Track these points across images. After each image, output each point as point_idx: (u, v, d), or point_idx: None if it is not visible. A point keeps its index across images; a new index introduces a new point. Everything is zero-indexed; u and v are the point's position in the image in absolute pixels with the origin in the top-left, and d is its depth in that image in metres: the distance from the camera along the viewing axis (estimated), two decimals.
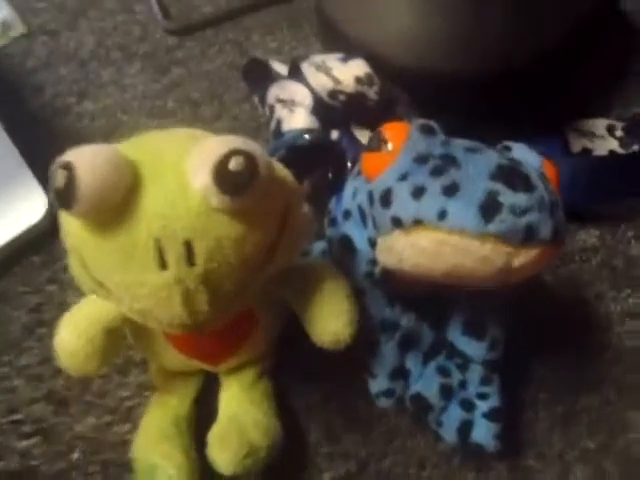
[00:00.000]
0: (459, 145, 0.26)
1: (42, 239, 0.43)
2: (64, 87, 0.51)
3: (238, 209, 0.23)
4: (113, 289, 0.24)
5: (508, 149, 0.28)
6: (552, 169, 0.27)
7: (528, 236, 0.24)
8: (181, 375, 0.36)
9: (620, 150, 0.44)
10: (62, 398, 0.38)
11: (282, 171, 0.26)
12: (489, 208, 0.23)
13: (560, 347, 0.39)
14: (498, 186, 0.24)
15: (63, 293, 0.42)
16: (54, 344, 0.30)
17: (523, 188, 0.24)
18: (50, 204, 0.43)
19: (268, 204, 0.24)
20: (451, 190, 0.24)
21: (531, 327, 0.38)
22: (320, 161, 0.38)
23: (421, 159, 0.26)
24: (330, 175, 0.39)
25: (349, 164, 0.37)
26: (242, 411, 0.34)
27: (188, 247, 0.23)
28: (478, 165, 0.25)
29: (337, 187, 0.38)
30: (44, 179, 0.43)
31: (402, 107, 0.36)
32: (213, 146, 0.22)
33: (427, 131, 0.27)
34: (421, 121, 0.27)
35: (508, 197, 0.24)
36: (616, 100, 0.48)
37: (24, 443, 0.37)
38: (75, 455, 0.37)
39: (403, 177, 0.25)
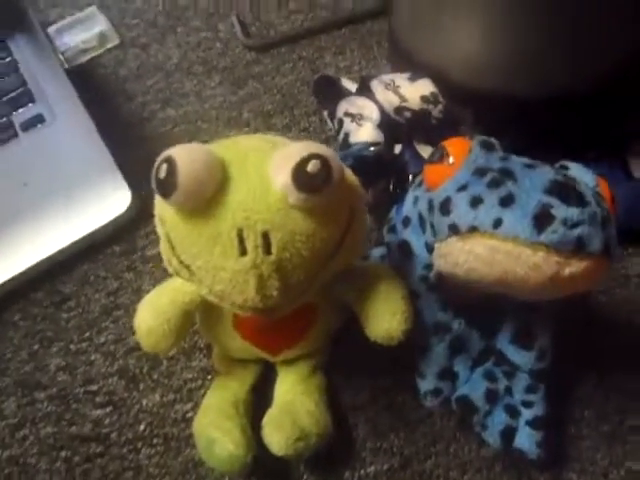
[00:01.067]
0: (517, 161, 0.28)
1: (124, 231, 0.48)
2: (151, 96, 0.56)
3: (312, 207, 0.26)
4: (196, 271, 0.27)
5: (565, 168, 0.29)
6: (607, 189, 0.28)
7: (578, 247, 0.25)
8: (242, 362, 0.39)
9: None
10: (133, 375, 0.42)
11: (351, 177, 0.29)
12: (542, 219, 0.25)
13: (609, 367, 0.39)
14: (552, 200, 0.26)
15: (139, 280, 0.46)
16: (134, 322, 0.34)
17: (576, 203, 0.25)
18: (133, 200, 0.47)
19: (338, 205, 0.27)
20: (507, 201, 0.26)
21: (582, 345, 0.39)
22: (383, 173, 0.41)
23: (480, 172, 0.28)
24: (391, 187, 0.42)
25: (410, 177, 0.40)
26: (296, 400, 0.37)
27: (266, 238, 0.26)
28: (533, 179, 0.27)
29: (398, 198, 0.40)
30: (130, 177, 0.47)
31: (465, 127, 0.38)
32: (295, 150, 0.25)
33: (487, 147, 0.29)
34: (482, 137, 0.29)
35: (561, 210, 0.25)
36: None
37: (97, 412, 0.41)
38: (141, 427, 0.40)
39: (462, 188, 0.28)
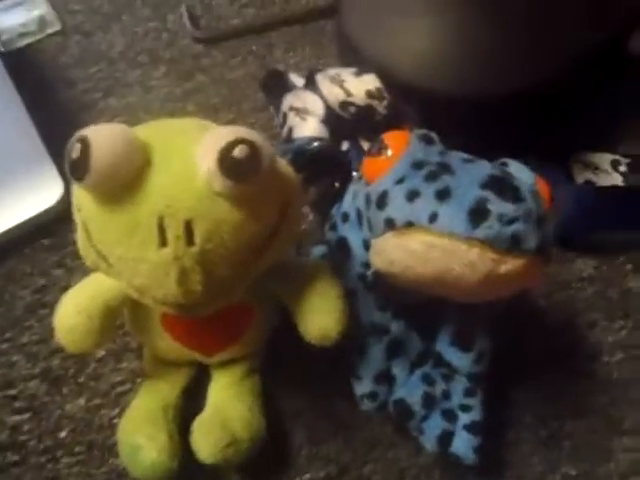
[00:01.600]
0: (456, 155, 0.28)
1: (54, 224, 0.45)
2: (92, 84, 0.53)
3: (239, 195, 0.24)
4: (114, 263, 0.25)
5: (504, 164, 0.29)
6: (545, 188, 0.28)
7: (513, 245, 0.25)
8: (173, 364, 0.37)
9: (622, 185, 0.45)
10: (56, 377, 0.39)
11: (285, 167, 0.27)
12: (477, 214, 0.24)
13: (549, 372, 0.39)
14: (488, 194, 0.25)
15: (68, 278, 0.43)
16: (54, 320, 0.32)
17: (512, 198, 0.25)
18: (65, 191, 0.45)
19: (268, 195, 0.25)
20: (443, 195, 0.25)
21: (522, 350, 0.39)
22: (327, 169, 0.39)
23: (418, 165, 0.27)
24: (337, 184, 0.41)
25: (355, 173, 0.38)
26: (228, 404, 0.35)
27: (188, 227, 0.24)
28: (471, 173, 0.26)
29: (343, 195, 0.39)
30: (63, 168, 0.45)
31: (409, 123, 0.38)
32: (221, 134, 0.23)
33: (426, 140, 0.28)
34: (421, 131, 0.28)
35: (497, 205, 0.24)
36: (623, 137, 0.49)
37: (16, 418, 0.38)
38: (62, 434, 0.38)
39: (400, 181, 0.27)
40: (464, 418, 0.33)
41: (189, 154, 0.24)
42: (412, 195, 0.26)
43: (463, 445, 0.32)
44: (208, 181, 0.24)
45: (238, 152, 0.23)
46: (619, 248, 0.44)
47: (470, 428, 0.32)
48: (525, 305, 0.41)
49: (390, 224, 0.26)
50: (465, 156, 0.28)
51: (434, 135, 0.28)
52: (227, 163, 0.23)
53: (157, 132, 0.25)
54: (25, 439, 0.37)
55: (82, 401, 0.39)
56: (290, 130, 0.40)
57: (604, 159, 0.46)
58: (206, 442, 0.32)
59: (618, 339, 0.41)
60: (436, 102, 0.38)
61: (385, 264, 0.28)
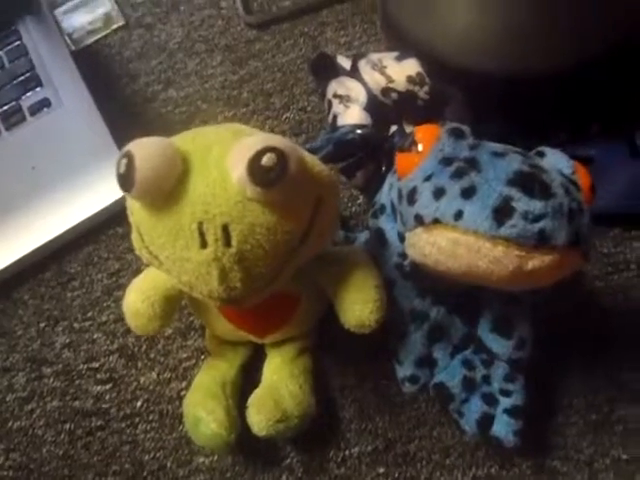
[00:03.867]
0: (486, 149, 0.27)
1: (125, 213, 0.49)
2: (154, 76, 0.56)
3: (270, 200, 0.26)
4: (164, 262, 0.28)
5: (541, 154, 0.28)
6: (585, 176, 0.27)
7: (540, 241, 0.24)
8: (232, 343, 0.40)
9: None
10: (131, 353, 0.44)
11: (318, 166, 0.28)
12: (502, 212, 0.24)
13: (602, 356, 0.38)
14: (513, 192, 0.25)
15: (139, 262, 0.47)
16: (123, 305, 0.35)
17: (540, 195, 0.25)
18: None
19: (299, 197, 0.27)
20: (468, 192, 0.25)
21: (576, 332, 0.38)
22: (372, 155, 0.40)
23: (446, 161, 0.27)
24: (383, 168, 0.41)
25: None
26: (281, 382, 0.38)
27: (225, 230, 0.26)
28: (497, 170, 0.26)
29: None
30: None
31: (452, 108, 0.37)
32: (250, 143, 0.25)
33: (456, 134, 0.28)
34: (452, 124, 0.28)
35: (522, 203, 0.24)
36: None
37: (98, 388, 0.43)
38: (138, 403, 0.42)
39: (428, 178, 0.27)
40: (505, 402, 0.33)
41: (224, 163, 0.26)
42: (438, 192, 0.26)
43: (503, 428, 0.33)
44: (241, 188, 0.25)
45: (266, 160, 0.24)
46: None
47: (511, 412, 0.33)
48: (580, 287, 0.40)
49: (419, 220, 0.27)
50: (497, 149, 0.27)
51: (465, 128, 0.28)
52: (256, 171, 0.24)
53: (195, 142, 0.27)
54: (107, 407, 0.42)
55: (154, 375, 0.43)
56: (334, 117, 0.40)
57: None
58: (259, 417, 0.35)
59: None
60: (482, 84, 0.37)
61: (418, 257, 0.28)
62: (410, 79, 0.37)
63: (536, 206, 0.24)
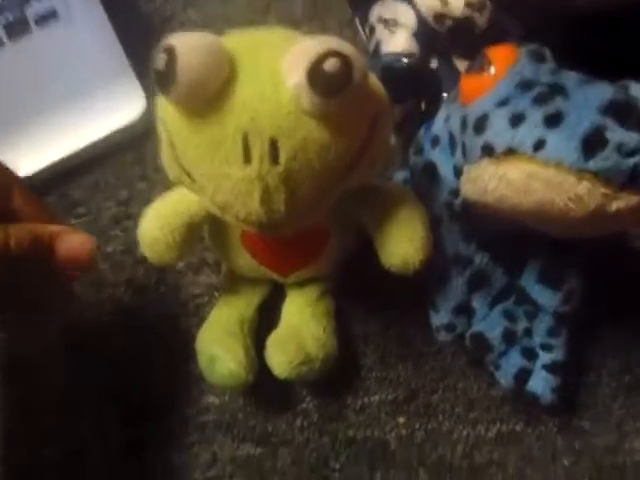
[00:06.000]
0: (571, 76, 0.24)
1: (137, 139, 0.45)
2: None
3: (328, 112, 0.23)
4: (198, 179, 0.25)
5: (626, 87, 0.25)
6: None
7: (632, 179, 0.22)
8: (250, 281, 0.38)
9: None
10: (140, 286, 0.41)
11: (376, 83, 0.25)
12: (592, 143, 0.22)
13: (638, 316, 0.37)
14: (607, 121, 0.22)
15: (151, 191, 0.44)
16: (138, 232, 0.32)
17: (636, 127, 0.22)
18: (148, 106, 0.44)
19: (358, 113, 0.24)
20: (554, 120, 0.23)
21: (614, 290, 0.36)
22: (415, 89, 0.37)
23: (525, 85, 0.24)
24: (423, 105, 0.38)
25: (445, 95, 0.36)
26: (303, 323, 0.35)
27: (273, 145, 0.23)
28: (589, 96, 0.23)
29: (430, 117, 0.36)
30: (146, 81, 0.44)
31: (513, 40, 0.34)
32: (311, 45, 0.22)
33: (537, 57, 0.25)
34: (532, 45, 0.25)
35: (617, 134, 0.22)
36: None
37: (105, 319, 0.41)
38: (146, 338, 0.40)
39: (503, 103, 0.24)
40: (545, 357, 0.31)
41: (276, 67, 0.23)
42: (516, 119, 0.23)
43: (541, 384, 0.31)
44: (295, 97, 0.22)
45: (329, 66, 0.21)
46: None
47: (550, 368, 0.31)
48: (621, 243, 0.38)
49: (488, 150, 0.24)
50: (582, 77, 0.25)
51: (546, 51, 0.25)
52: (317, 78, 0.21)
53: (243, 43, 0.24)
54: (113, 339, 0.40)
55: (163, 309, 0.40)
56: (377, 44, 0.37)
57: None
58: (281, 358, 0.33)
59: None
60: (546, 15, 0.33)
61: (478, 193, 0.26)
62: (469, 4, 0.33)
63: (632, 138, 0.22)
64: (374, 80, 0.25)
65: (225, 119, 0.23)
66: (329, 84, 0.21)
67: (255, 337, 0.36)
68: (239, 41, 0.24)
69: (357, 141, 0.24)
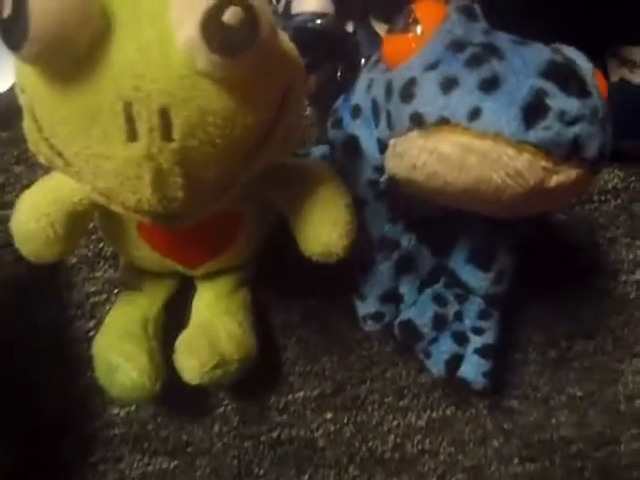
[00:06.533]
0: (504, 37, 0.22)
1: (11, 115, 0.38)
2: None
3: (230, 75, 0.18)
4: (72, 160, 0.20)
5: (558, 49, 0.23)
6: (603, 81, 0.23)
7: (572, 151, 0.20)
8: (153, 275, 0.33)
9: None
10: (23, 286, 0.35)
11: (287, 43, 0.22)
12: (533, 110, 0.19)
13: (562, 290, 0.37)
14: (548, 85, 0.20)
15: (31, 174, 0.38)
16: (12, 225, 0.27)
17: (577, 92, 0.20)
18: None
19: (267, 77, 0.20)
20: (490, 85, 0.20)
21: (535, 265, 0.35)
22: (330, 53, 0.33)
23: (457, 46, 0.21)
24: (339, 73, 0.35)
25: (363, 61, 0.32)
26: (216, 320, 0.32)
27: (165, 116, 0.19)
28: (526, 59, 0.20)
29: (346, 87, 0.33)
30: None
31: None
32: None
33: (467, 14, 0.22)
34: (461, 1, 0.22)
35: (558, 100, 0.20)
36: None
37: None
38: (37, 348, 0.34)
39: (432, 66, 0.21)
40: (476, 341, 0.30)
41: (162, 19, 0.18)
42: (448, 84, 0.20)
43: (473, 369, 0.30)
44: (189, 55, 0.18)
45: (229, 16, 0.17)
46: None
47: (482, 352, 0.30)
48: (543, 218, 0.37)
49: (417, 120, 0.21)
50: (515, 37, 0.22)
51: (477, 7, 0.23)
52: (214, 31, 0.17)
53: None
54: None
55: (54, 311, 0.35)
56: (288, 3, 0.33)
57: None
58: (192, 363, 0.29)
59: (638, 257, 0.38)
60: None
61: (406, 169, 0.23)
62: None
63: (573, 105, 0.19)
64: (285, 40, 0.21)
65: (100, 85, 0.18)
66: (229, 39, 0.17)
67: (162, 339, 0.32)
68: None
69: (267, 112, 0.21)
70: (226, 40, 0.17)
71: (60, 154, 0.21)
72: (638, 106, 0.38)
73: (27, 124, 0.21)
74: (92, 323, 0.35)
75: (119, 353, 0.30)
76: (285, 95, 0.21)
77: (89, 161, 0.20)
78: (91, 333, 0.35)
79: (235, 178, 0.22)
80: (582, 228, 0.38)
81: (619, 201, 0.39)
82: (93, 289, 0.36)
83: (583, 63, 0.22)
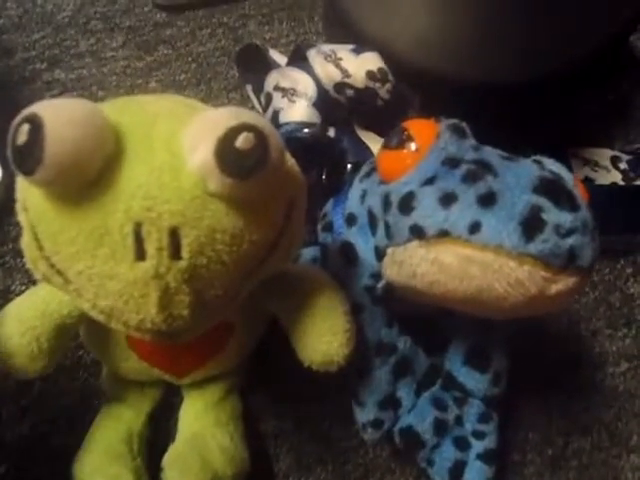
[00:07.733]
0: (493, 152, 0.23)
1: None
2: (36, 52, 0.46)
3: (240, 197, 0.19)
4: (74, 279, 0.20)
5: (539, 163, 0.25)
6: (584, 190, 0.24)
7: (569, 261, 0.21)
8: (137, 384, 0.32)
9: (622, 184, 0.43)
10: None
11: (290, 159, 0.22)
12: (531, 224, 0.20)
13: (552, 386, 0.36)
14: (542, 201, 0.21)
15: (8, 279, 0.37)
16: None
17: (569, 207, 0.21)
18: (4, 177, 0.38)
19: (274, 196, 0.20)
20: (487, 200, 0.21)
21: (522, 363, 0.35)
22: (316, 160, 0.35)
23: (451, 162, 0.22)
24: (324, 176, 0.36)
25: (349, 167, 0.34)
26: (206, 433, 0.30)
27: (174, 236, 0.19)
28: (518, 175, 0.22)
29: (332, 190, 0.34)
30: (2, 150, 0.38)
31: (413, 110, 0.33)
32: (219, 117, 0.18)
33: (458, 132, 0.24)
34: (452, 121, 0.24)
35: (552, 215, 0.21)
36: (620, 132, 0.46)
37: None
38: (1, 470, 0.32)
39: (429, 181, 0.22)
40: (478, 446, 0.29)
41: (175, 142, 0.19)
42: (447, 199, 0.21)
43: (477, 476, 0.29)
44: (201, 178, 0.18)
45: (242, 142, 0.18)
46: (618, 251, 0.41)
47: (484, 457, 0.29)
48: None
49: (417, 232, 0.22)
50: (501, 152, 0.24)
51: (466, 126, 0.24)
52: (228, 156, 0.18)
53: (133, 112, 0.20)
54: None
55: (26, 428, 0.33)
56: (275, 113, 0.34)
57: (604, 155, 0.44)
58: None
59: (622, 348, 0.38)
60: (439, 88, 0.33)
61: (405, 277, 0.23)
62: (370, 75, 0.32)
63: (567, 219, 0.21)
64: (289, 157, 0.22)
65: (110, 207, 0.18)
66: (242, 163, 0.18)
67: (147, 455, 0.30)
68: (126, 110, 0.20)
69: (273, 229, 0.21)
70: (238, 164, 0.18)
71: (61, 273, 0.20)
72: (603, 204, 0.40)
73: (26, 241, 0.21)
74: (70, 441, 0.32)
75: (102, 475, 0.28)
76: (289, 210, 0.22)
77: (92, 280, 0.19)
78: (68, 450, 0.32)
79: (239, 290, 0.22)
80: (563, 321, 0.39)
81: (596, 293, 0.40)
82: (70, 401, 0.34)
83: (566, 175, 0.24)
